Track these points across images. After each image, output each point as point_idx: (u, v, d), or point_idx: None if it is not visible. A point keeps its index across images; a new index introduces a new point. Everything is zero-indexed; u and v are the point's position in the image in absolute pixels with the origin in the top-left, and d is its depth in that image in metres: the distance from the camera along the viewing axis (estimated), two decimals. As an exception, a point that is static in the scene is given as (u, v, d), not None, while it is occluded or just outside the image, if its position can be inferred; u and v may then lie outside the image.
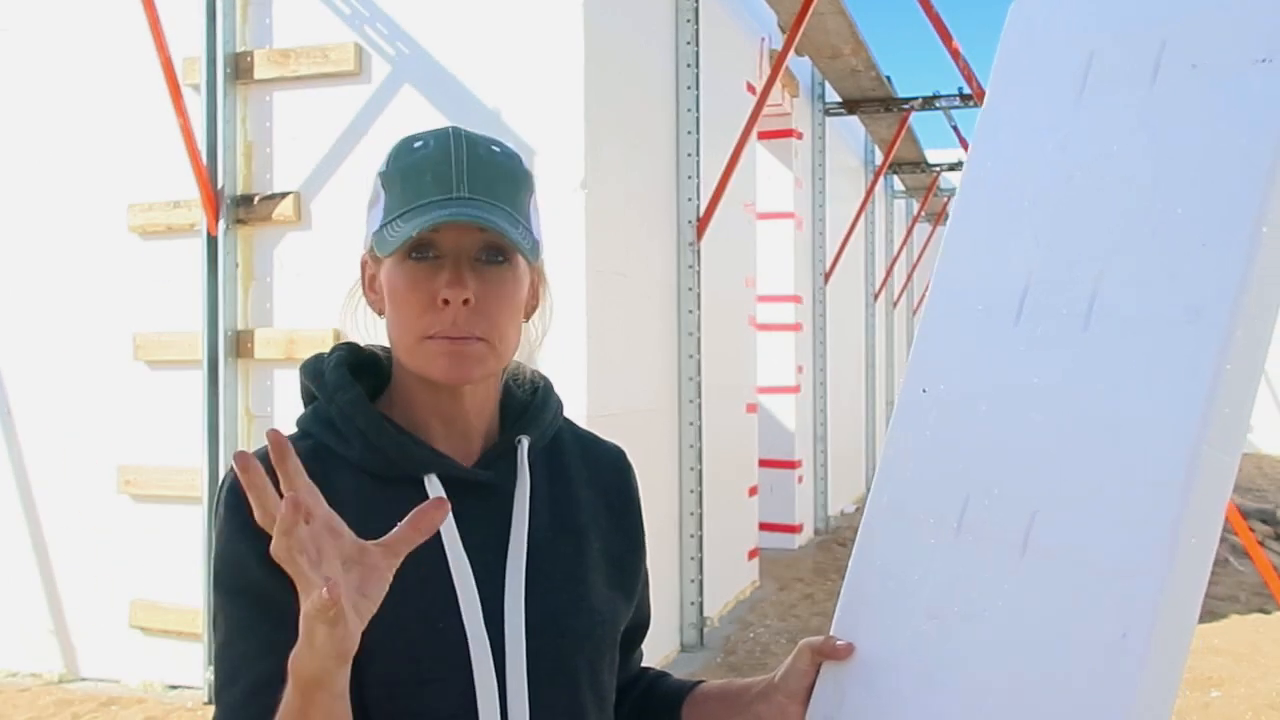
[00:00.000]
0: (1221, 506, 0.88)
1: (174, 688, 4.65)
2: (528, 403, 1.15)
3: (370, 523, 1.00)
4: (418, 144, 1.05)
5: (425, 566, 1.01)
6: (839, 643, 1.09)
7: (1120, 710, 0.86)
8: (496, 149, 1.06)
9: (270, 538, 0.84)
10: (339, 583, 0.80)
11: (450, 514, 1.02)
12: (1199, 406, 0.86)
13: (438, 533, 1.01)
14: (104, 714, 4.41)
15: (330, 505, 0.97)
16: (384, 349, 1.13)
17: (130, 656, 4.74)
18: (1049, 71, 1.08)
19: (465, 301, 1.00)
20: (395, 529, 0.88)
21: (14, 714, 4.42)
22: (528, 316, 1.12)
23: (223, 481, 1.04)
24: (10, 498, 4.96)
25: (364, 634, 0.94)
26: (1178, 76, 0.96)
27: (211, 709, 1.05)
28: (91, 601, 4.82)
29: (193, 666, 4.59)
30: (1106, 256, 0.96)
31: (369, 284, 1.11)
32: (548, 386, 1.18)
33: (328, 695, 0.86)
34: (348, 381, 1.08)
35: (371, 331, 1.14)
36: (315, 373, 1.11)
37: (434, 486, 1.05)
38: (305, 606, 0.82)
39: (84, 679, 4.84)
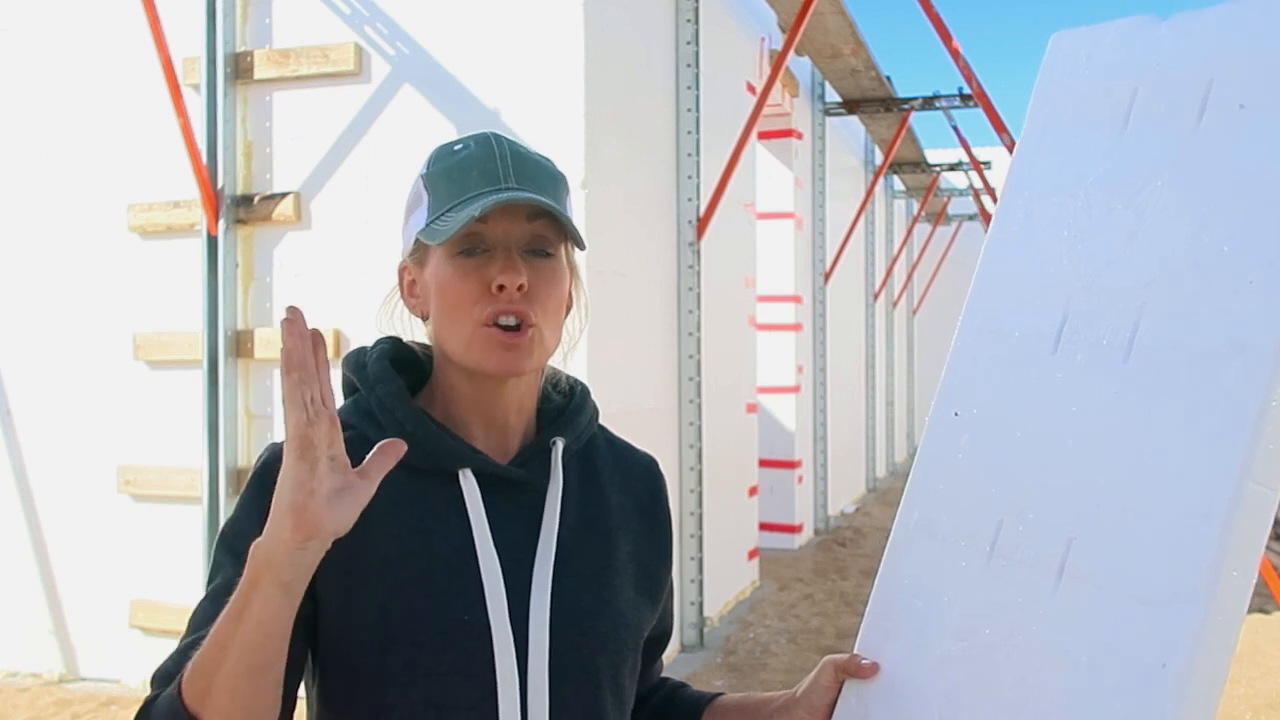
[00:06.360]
0: (1263, 539, 0.88)
1: (174, 688, 4.65)
2: (564, 406, 1.17)
3: (404, 513, 1.04)
4: (458, 146, 1.09)
5: (455, 559, 1.04)
6: (864, 661, 1.08)
7: None
8: (534, 151, 1.10)
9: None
10: (321, 427, 0.86)
11: (482, 508, 1.05)
12: (1243, 439, 0.86)
13: (468, 526, 1.04)
14: (104, 714, 4.41)
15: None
16: (423, 346, 1.16)
17: (130, 656, 4.74)
18: (1090, 105, 1.08)
19: (520, 287, 1.03)
20: (367, 458, 0.91)
21: (14, 714, 4.42)
22: (565, 315, 1.14)
23: (261, 455, 1.07)
24: (10, 498, 4.96)
25: (389, 621, 0.98)
26: (1225, 115, 0.96)
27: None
28: (91, 601, 4.82)
29: (193, 666, 4.58)
30: (1149, 289, 0.96)
31: (408, 290, 1.13)
32: (584, 392, 1.20)
33: (273, 580, 0.88)
34: (389, 374, 1.10)
35: (407, 337, 1.16)
36: (357, 364, 1.13)
37: (468, 481, 1.06)
38: (285, 443, 0.87)
39: (84, 679, 4.84)
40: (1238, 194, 0.93)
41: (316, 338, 0.89)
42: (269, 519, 0.88)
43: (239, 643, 0.89)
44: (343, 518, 0.88)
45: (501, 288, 1.03)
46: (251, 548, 0.89)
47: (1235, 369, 0.88)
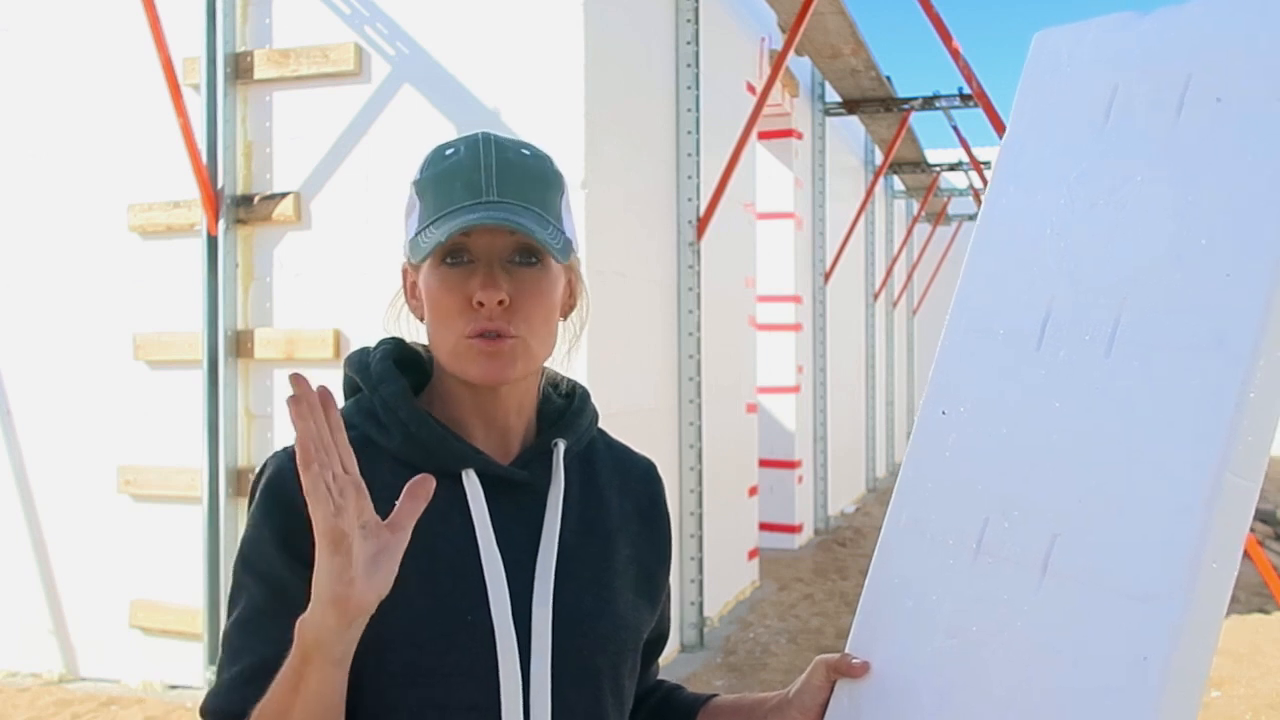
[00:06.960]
0: (1243, 532, 0.89)
1: (174, 688, 4.65)
2: (564, 408, 1.17)
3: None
4: (449, 151, 1.08)
5: (457, 560, 1.04)
6: (855, 660, 1.09)
7: None
8: (526, 152, 1.09)
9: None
10: (349, 511, 0.86)
11: (486, 510, 1.06)
12: (1222, 433, 0.87)
13: (470, 527, 1.05)
14: (104, 714, 4.41)
15: (370, 497, 1.01)
16: (426, 347, 1.16)
17: (130, 656, 4.74)
18: (1073, 102, 1.09)
19: (500, 302, 1.03)
20: (396, 507, 0.91)
21: (14, 714, 4.42)
22: (564, 316, 1.14)
23: (261, 469, 1.08)
24: (10, 498, 4.96)
25: (391, 621, 0.97)
26: (1203, 110, 0.97)
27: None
28: (91, 601, 4.82)
29: (193, 666, 4.59)
30: (1129, 285, 0.97)
31: (410, 291, 1.13)
32: (585, 394, 1.20)
33: (325, 659, 0.89)
34: (392, 374, 1.11)
35: (413, 336, 1.16)
36: (361, 365, 1.13)
37: (471, 482, 1.06)
38: (317, 537, 0.86)
39: (84, 679, 4.84)
40: (1215, 187, 0.94)
41: (325, 398, 0.88)
42: (312, 603, 0.89)
43: (299, 714, 0.91)
44: (382, 583, 0.89)
45: (481, 304, 1.03)
46: (298, 626, 0.90)
47: (1214, 362, 0.89)
